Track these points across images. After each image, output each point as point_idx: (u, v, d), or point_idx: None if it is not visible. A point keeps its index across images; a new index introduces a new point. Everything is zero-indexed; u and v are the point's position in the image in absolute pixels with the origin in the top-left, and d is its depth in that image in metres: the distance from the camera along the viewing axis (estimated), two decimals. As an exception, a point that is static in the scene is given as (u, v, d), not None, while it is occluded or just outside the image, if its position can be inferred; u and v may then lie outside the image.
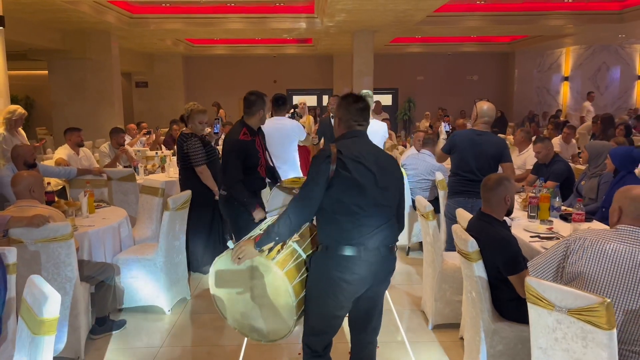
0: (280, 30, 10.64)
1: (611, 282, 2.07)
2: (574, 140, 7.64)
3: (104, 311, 3.68)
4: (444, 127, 4.38)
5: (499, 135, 6.44)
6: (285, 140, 4.76)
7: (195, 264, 4.78)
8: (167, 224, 3.96)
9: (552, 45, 14.96)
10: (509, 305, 2.71)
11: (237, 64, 15.86)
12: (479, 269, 2.74)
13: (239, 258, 2.25)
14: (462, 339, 3.44)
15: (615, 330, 1.90)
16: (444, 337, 3.61)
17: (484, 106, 3.84)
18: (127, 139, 8.03)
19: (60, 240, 3.25)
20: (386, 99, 16.79)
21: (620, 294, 2.06)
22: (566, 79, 16.38)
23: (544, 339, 2.16)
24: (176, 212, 4.05)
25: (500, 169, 3.91)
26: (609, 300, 1.88)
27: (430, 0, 7.53)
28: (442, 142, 4.14)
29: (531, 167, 5.46)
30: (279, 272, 2.24)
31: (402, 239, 5.50)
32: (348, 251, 2.25)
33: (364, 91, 4.86)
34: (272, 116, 4.84)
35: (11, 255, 2.70)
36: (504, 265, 2.61)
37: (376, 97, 13.10)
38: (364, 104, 2.42)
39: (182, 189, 4.65)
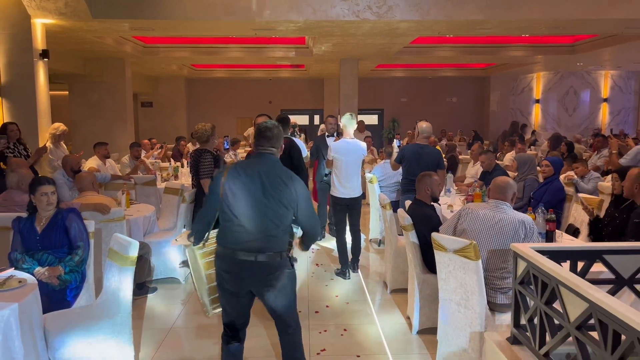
0: (274, 58, 11.99)
1: (481, 233, 3.33)
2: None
3: (142, 278, 4.87)
4: (395, 143, 5.66)
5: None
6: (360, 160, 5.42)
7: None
8: (184, 212, 5.22)
9: (523, 71, 16.43)
10: (432, 262, 3.95)
11: (236, 86, 17.21)
12: (412, 236, 4.00)
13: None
14: (409, 295, 4.66)
15: (480, 261, 3.15)
16: (398, 297, 4.83)
17: (423, 125, 5.15)
18: (142, 152, 9.26)
19: (115, 221, 4.49)
20: (372, 119, 18.19)
21: (486, 240, 3.32)
22: (537, 101, 17.84)
23: (444, 272, 3.41)
24: (190, 204, 5.31)
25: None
26: (474, 242, 3.13)
27: (402, 37, 8.90)
28: (395, 155, 5.43)
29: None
30: (200, 261, 2.96)
31: (375, 233, 6.77)
32: (221, 250, 2.76)
33: (347, 114, 5.55)
34: None
35: (91, 225, 3.91)
36: (427, 232, 3.86)
37: (362, 117, 14.51)
38: (267, 133, 2.80)
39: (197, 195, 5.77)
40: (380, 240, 6.75)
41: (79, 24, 7.52)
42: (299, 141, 5.80)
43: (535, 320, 2.64)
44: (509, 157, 8.55)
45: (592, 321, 2.13)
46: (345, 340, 3.93)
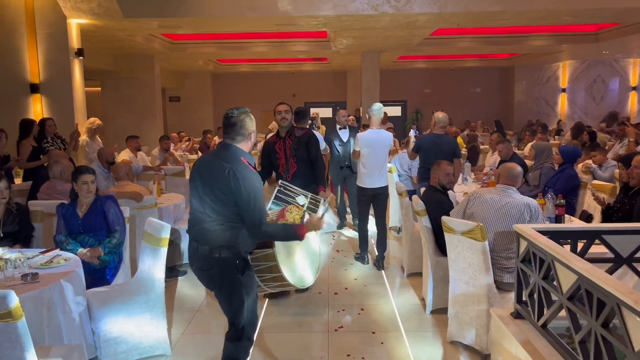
0: (297, 52, 12.24)
1: (488, 216, 3.52)
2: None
3: (173, 262, 5.20)
4: (412, 133, 5.83)
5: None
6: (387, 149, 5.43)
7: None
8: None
9: (548, 60, 16.27)
10: (445, 245, 4.15)
11: (260, 80, 17.55)
12: (426, 221, 4.20)
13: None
14: (424, 278, 4.87)
15: (486, 242, 3.35)
16: (414, 280, 5.04)
17: (440, 115, 5.32)
18: (171, 145, 9.65)
19: (148, 208, 4.82)
20: (395, 110, 18.28)
21: (493, 222, 3.50)
22: (564, 90, 17.65)
23: (453, 253, 3.62)
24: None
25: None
26: (481, 224, 3.33)
27: (421, 29, 9.03)
28: (412, 145, 5.60)
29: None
30: None
31: (394, 221, 6.99)
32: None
33: (374, 105, 5.58)
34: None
35: (126, 211, 4.24)
36: (440, 217, 4.06)
37: (385, 109, 14.59)
38: (226, 122, 2.71)
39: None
40: (399, 227, 6.94)
41: (110, 23, 7.91)
42: (318, 134, 5.83)
43: (535, 296, 2.83)
44: (528, 147, 8.61)
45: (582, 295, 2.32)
46: (362, 319, 4.18)
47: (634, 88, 17.43)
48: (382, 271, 5.36)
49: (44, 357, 2.56)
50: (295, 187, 3.63)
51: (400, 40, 10.19)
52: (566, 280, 2.43)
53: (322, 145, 5.84)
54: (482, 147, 9.86)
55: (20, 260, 3.15)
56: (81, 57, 7.64)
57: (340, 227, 7.09)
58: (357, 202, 5.61)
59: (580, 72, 17.46)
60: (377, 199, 5.37)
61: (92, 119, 7.20)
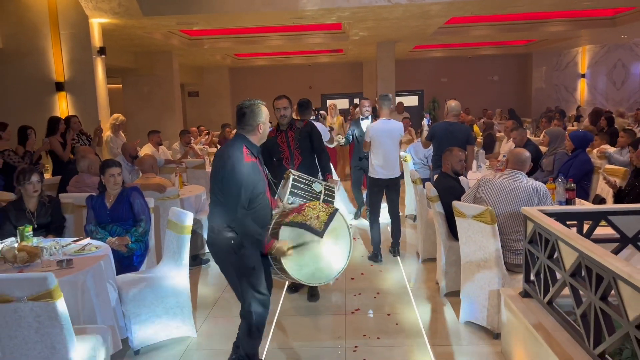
0: (313, 44, 12.36)
1: (497, 200, 3.64)
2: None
3: (195, 250, 5.42)
4: (425, 121, 5.92)
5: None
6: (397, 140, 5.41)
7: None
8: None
9: (566, 46, 16.07)
10: (456, 230, 4.27)
11: (277, 73, 17.71)
12: (439, 207, 4.33)
13: None
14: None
15: (496, 225, 3.46)
16: (429, 265, 5.17)
17: (452, 103, 5.41)
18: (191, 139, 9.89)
19: (171, 199, 5.03)
20: (412, 100, 18.27)
21: (501, 206, 3.62)
22: (583, 76, 17.41)
23: (464, 236, 3.74)
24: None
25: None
26: (490, 208, 3.45)
27: (436, 18, 9.07)
28: (425, 133, 5.69)
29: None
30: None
31: (410, 209, 7.10)
32: None
33: (382, 94, 5.54)
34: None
35: (150, 202, 4.45)
36: (452, 202, 4.18)
37: (402, 98, 14.68)
38: (238, 113, 2.95)
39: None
40: (415, 216, 7.06)
41: (130, 22, 8.15)
42: (321, 125, 5.69)
43: (542, 275, 2.95)
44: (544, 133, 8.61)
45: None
46: (378, 302, 4.33)
47: (656, 72, 17.12)
48: (398, 257, 5.50)
49: (81, 334, 2.78)
50: (307, 176, 3.65)
51: (415, 30, 10.23)
52: (569, 258, 2.55)
53: (326, 136, 5.69)
54: (498, 134, 9.88)
55: (55, 248, 3.38)
56: (103, 56, 7.90)
57: (356, 216, 7.22)
58: (369, 192, 5.55)
59: (600, 57, 17.20)
60: (389, 189, 5.36)
61: (115, 115, 7.45)
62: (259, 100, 2.99)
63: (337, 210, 3.10)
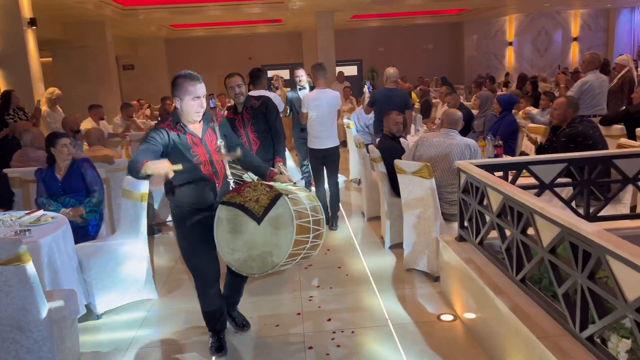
0: (253, 14, 12.28)
1: (434, 156, 4.00)
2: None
3: (148, 221, 5.48)
4: (367, 88, 6.20)
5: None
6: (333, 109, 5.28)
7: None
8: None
9: (495, 14, 16.84)
10: (399, 187, 4.63)
11: (215, 44, 17.42)
12: (381, 167, 4.65)
13: None
14: (383, 220, 5.36)
15: (433, 179, 3.81)
16: (374, 223, 5.53)
17: (391, 70, 5.73)
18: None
19: (121, 170, 5.07)
20: (352, 70, 18.59)
21: (438, 161, 3.98)
22: (510, 44, 18.34)
23: (405, 191, 4.08)
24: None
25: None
26: (428, 164, 3.79)
27: (372, -13, 9.32)
28: (367, 100, 5.98)
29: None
30: None
31: (354, 173, 7.44)
32: None
33: (316, 64, 5.44)
34: (249, 90, 4.87)
35: (102, 173, 4.49)
36: (393, 160, 4.51)
37: (341, 68, 14.94)
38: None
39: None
40: (359, 179, 7.41)
41: (60, -9, 7.84)
42: (275, 96, 5.53)
43: (474, 220, 3.34)
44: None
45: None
46: (329, 257, 4.65)
47: (575, 39, 18.30)
48: (345, 218, 5.83)
49: (48, 298, 2.89)
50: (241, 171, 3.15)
51: (352, -1, 10.45)
52: (495, 202, 2.92)
53: (281, 106, 5.53)
54: (434, 101, 10.39)
55: (11, 220, 3.41)
56: (34, 27, 7.58)
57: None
58: (311, 164, 5.50)
59: (526, 25, 18.16)
60: (328, 160, 5.31)
61: (51, 89, 7.24)
62: (190, 72, 2.77)
63: (281, 195, 2.61)
